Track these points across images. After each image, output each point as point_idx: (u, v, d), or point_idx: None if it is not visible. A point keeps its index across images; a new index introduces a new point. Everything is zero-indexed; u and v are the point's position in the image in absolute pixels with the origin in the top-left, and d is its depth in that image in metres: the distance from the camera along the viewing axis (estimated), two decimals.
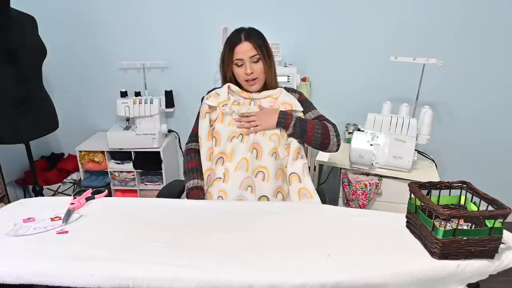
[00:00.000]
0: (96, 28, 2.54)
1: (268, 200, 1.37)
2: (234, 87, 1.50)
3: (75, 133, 2.71)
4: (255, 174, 1.38)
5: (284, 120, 1.42)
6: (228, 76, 1.50)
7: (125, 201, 1.37)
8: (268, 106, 1.48)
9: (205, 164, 1.47)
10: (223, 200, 1.36)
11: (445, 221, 0.92)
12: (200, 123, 1.50)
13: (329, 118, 1.51)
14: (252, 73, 1.43)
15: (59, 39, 2.54)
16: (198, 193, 1.41)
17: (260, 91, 1.52)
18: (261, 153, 1.41)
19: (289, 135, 1.45)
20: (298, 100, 1.52)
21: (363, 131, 2.03)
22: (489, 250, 0.92)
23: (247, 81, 1.46)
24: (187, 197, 1.43)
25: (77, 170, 2.60)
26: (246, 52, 1.41)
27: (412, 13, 2.30)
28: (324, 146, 1.46)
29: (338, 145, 1.48)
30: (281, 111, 1.44)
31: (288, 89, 1.56)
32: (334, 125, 1.47)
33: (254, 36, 1.42)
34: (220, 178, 1.40)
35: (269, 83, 1.51)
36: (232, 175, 1.38)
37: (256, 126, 1.42)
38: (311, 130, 1.42)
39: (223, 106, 1.48)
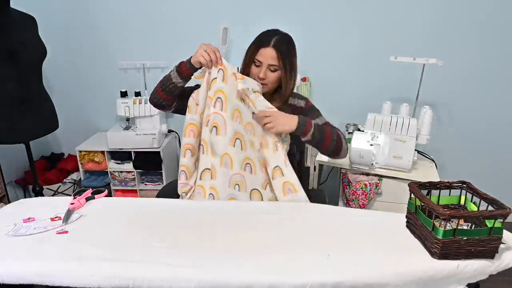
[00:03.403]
0: (96, 28, 2.54)
1: (260, 194, 1.36)
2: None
3: (75, 133, 2.71)
4: (243, 167, 1.35)
5: (303, 127, 1.32)
6: (245, 71, 1.45)
7: (125, 201, 1.37)
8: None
9: (180, 160, 1.43)
10: (214, 198, 1.33)
11: (445, 221, 0.92)
12: None
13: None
14: (264, 79, 1.40)
15: (59, 39, 2.54)
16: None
17: (271, 97, 1.46)
18: (245, 143, 1.36)
19: (304, 141, 1.38)
20: (305, 107, 1.48)
21: (363, 131, 2.03)
22: (489, 250, 0.92)
23: None
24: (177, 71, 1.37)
25: (77, 170, 2.60)
26: (267, 58, 1.36)
27: (412, 13, 2.30)
28: (335, 153, 1.41)
29: (347, 151, 1.44)
30: (300, 116, 1.35)
31: (295, 95, 1.51)
32: (341, 132, 1.44)
33: (282, 46, 1.37)
34: (209, 169, 1.36)
35: (283, 95, 1.45)
36: (219, 172, 1.34)
37: (271, 128, 1.32)
38: (328, 139, 1.36)
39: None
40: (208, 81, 1.37)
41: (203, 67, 1.37)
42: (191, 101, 1.42)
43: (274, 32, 1.40)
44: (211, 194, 1.34)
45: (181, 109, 1.48)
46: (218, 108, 1.34)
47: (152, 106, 1.42)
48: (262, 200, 1.38)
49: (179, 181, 1.44)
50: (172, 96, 1.41)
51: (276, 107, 1.40)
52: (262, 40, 1.38)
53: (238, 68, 1.44)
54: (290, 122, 1.32)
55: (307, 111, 1.47)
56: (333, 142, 1.37)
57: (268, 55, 1.36)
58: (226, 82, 1.36)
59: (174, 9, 2.46)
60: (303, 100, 1.51)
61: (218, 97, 1.34)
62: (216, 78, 1.35)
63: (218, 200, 1.34)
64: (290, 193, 1.35)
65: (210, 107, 1.35)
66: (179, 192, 1.45)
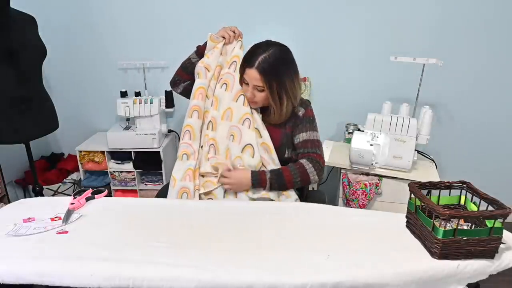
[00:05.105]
0: (96, 28, 2.54)
1: (253, 148, 1.39)
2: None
3: (75, 133, 2.71)
4: (241, 121, 1.41)
5: (258, 182, 1.36)
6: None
7: (125, 201, 1.37)
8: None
9: (186, 120, 1.48)
10: (215, 147, 1.42)
11: (445, 221, 0.92)
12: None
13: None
14: (252, 98, 1.39)
15: (59, 39, 2.54)
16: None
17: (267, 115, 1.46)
18: (247, 101, 1.43)
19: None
20: (301, 116, 1.44)
21: (363, 131, 2.03)
22: (489, 250, 0.92)
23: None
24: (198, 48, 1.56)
25: (77, 170, 2.60)
26: (252, 79, 1.34)
27: (412, 13, 2.30)
28: (303, 186, 1.46)
29: (319, 180, 1.44)
30: (252, 171, 1.37)
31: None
32: (318, 159, 1.40)
33: (267, 66, 1.30)
34: (210, 123, 1.45)
35: (276, 115, 1.41)
36: (219, 124, 1.44)
37: (229, 188, 1.38)
38: (290, 182, 1.37)
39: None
40: (221, 51, 1.53)
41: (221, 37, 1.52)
42: (199, 68, 1.51)
43: (263, 49, 1.33)
44: (212, 144, 1.43)
45: (188, 92, 1.55)
46: (232, 70, 1.48)
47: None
48: (254, 155, 1.39)
49: (181, 141, 1.46)
50: (186, 72, 1.56)
51: (273, 124, 1.44)
52: (248, 58, 1.35)
53: None
54: (244, 182, 1.37)
55: (301, 121, 1.44)
56: (296, 183, 1.39)
57: (252, 76, 1.33)
58: (243, 50, 1.50)
59: (174, 9, 2.46)
60: (302, 107, 1.46)
61: (234, 61, 1.49)
62: (235, 47, 1.52)
63: (222, 201, 1.34)
64: (267, 153, 1.42)
65: (225, 68, 1.51)
66: (179, 153, 1.44)
